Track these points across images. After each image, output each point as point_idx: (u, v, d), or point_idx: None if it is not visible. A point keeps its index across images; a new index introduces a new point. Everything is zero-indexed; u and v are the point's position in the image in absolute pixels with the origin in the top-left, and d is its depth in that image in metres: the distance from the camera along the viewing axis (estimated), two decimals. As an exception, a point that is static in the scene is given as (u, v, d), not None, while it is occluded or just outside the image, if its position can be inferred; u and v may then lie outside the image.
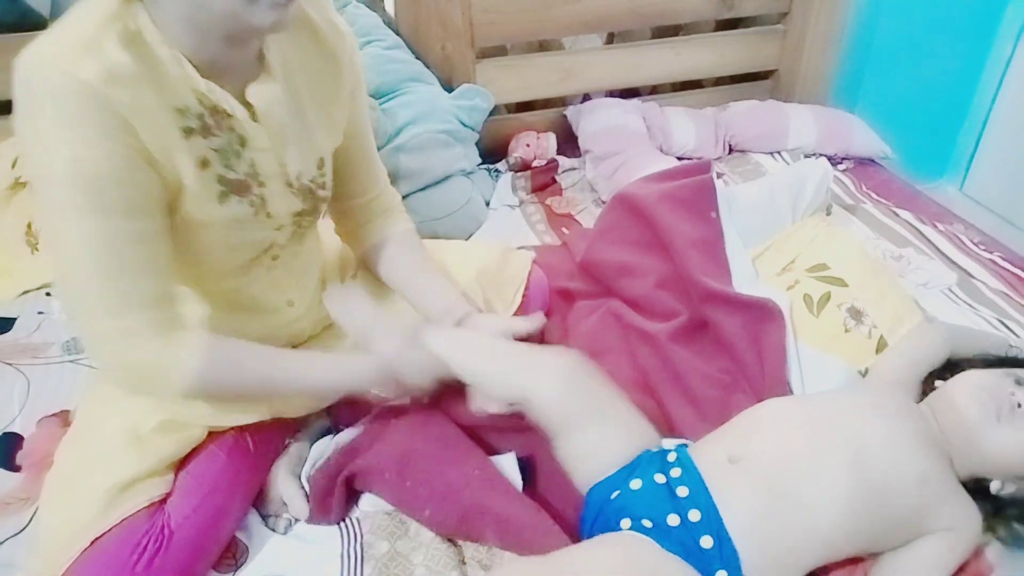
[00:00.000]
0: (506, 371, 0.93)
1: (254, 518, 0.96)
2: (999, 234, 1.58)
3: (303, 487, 0.98)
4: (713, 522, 0.80)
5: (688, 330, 1.17)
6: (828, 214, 1.50)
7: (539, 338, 1.22)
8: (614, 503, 0.85)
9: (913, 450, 0.85)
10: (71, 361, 1.15)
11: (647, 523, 0.81)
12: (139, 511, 0.84)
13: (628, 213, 1.33)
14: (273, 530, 0.96)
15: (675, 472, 0.85)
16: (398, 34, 1.67)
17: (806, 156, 1.79)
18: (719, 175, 1.74)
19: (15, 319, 1.26)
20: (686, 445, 0.93)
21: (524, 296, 1.17)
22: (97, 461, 0.87)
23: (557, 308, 1.29)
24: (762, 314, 1.13)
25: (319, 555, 0.91)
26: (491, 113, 1.75)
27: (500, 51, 1.85)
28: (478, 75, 1.77)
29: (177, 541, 0.83)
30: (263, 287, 0.96)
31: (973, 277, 1.37)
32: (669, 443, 0.93)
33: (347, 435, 1.03)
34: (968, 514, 0.86)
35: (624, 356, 1.16)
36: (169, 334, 0.78)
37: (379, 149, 1.50)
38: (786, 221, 1.35)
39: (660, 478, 0.85)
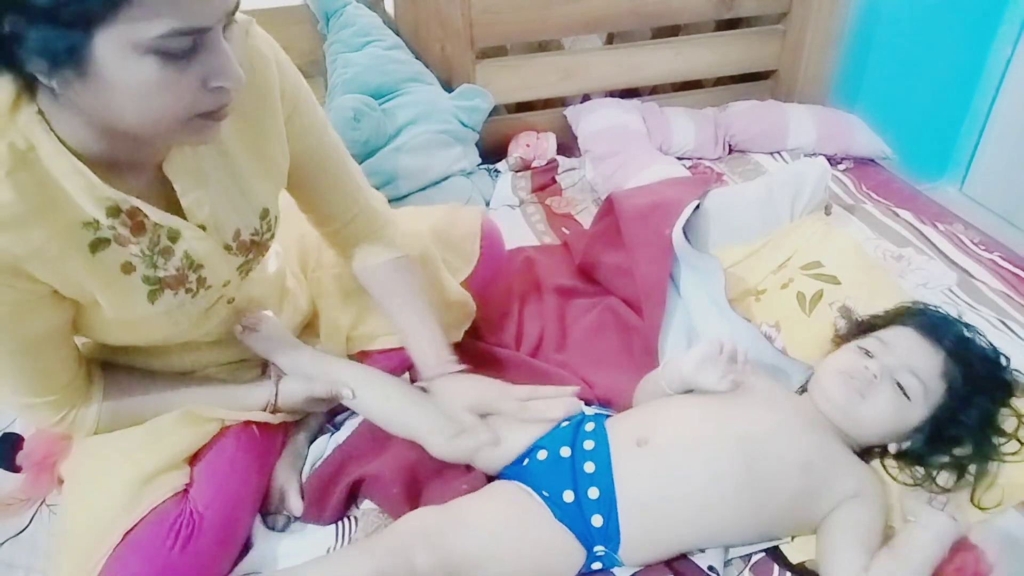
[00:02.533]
0: (391, 426, 1.00)
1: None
2: (999, 234, 1.58)
3: (300, 483, 0.99)
4: (608, 503, 0.85)
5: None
6: (828, 214, 1.49)
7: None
8: (524, 468, 0.92)
9: (797, 437, 0.90)
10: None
11: (545, 493, 0.87)
12: (165, 501, 0.85)
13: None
14: (272, 528, 0.96)
15: (588, 444, 0.90)
16: (398, 34, 1.68)
17: (806, 156, 1.78)
18: (718, 176, 1.74)
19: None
20: (604, 415, 0.97)
21: (481, 248, 1.17)
22: (115, 460, 0.88)
23: (557, 305, 1.30)
24: None
25: (311, 552, 0.91)
26: (491, 113, 1.75)
27: (500, 51, 1.85)
28: (478, 75, 1.77)
29: (207, 523, 0.85)
30: (229, 322, 0.96)
31: (973, 277, 1.37)
32: (590, 411, 0.99)
33: (344, 435, 1.04)
34: (865, 475, 0.91)
35: (623, 352, 1.17)
36: (68, 406, 0.86)
37: (379, 149, 1.53)
38: (784, 219, 1.36)
39: (566, 451, 0.90)
